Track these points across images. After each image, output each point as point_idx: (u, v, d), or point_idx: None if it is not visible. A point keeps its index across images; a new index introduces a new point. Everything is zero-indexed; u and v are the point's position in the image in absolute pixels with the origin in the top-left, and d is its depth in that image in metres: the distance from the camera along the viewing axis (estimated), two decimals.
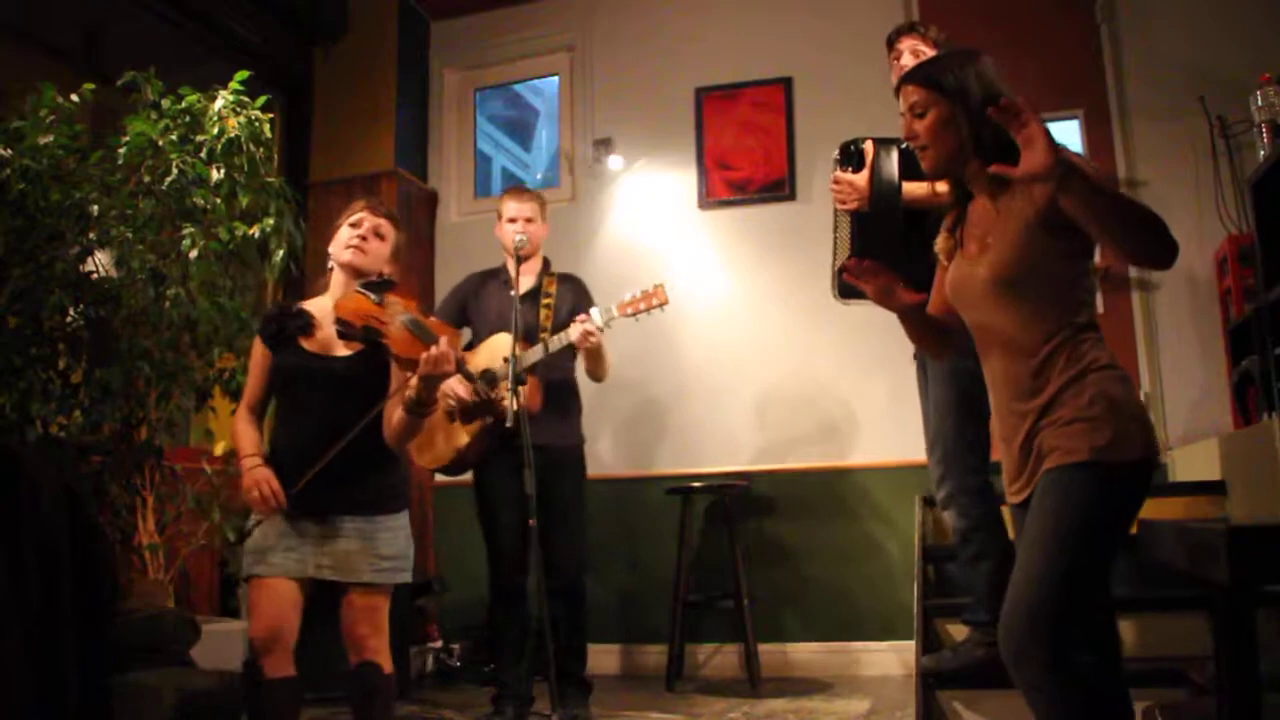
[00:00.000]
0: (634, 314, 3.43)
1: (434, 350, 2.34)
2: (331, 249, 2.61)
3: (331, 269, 2.62)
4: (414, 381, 2.38)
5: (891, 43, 3.19)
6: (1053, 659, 1.73)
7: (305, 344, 2.51)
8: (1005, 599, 1.84)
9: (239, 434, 2.54)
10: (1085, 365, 1.85)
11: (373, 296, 2.45)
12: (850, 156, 3.06)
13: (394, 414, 2.44)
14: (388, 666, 2.47)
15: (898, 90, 2.04)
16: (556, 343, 3.39)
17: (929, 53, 3.03)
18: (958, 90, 1.90)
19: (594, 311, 3.42)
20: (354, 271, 2.56)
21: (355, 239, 2.56)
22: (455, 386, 3.36)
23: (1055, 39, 4.57)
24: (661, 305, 3.43)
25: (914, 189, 2.89)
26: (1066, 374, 1.85)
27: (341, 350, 2.49)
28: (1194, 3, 4.40)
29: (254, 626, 2.39)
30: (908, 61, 3.05)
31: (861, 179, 2.98)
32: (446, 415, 3.52)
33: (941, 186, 2.87)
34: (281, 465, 2.44)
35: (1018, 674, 1.79)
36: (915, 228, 2.87)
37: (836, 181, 3.03)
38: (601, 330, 3.39)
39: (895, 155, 2.97)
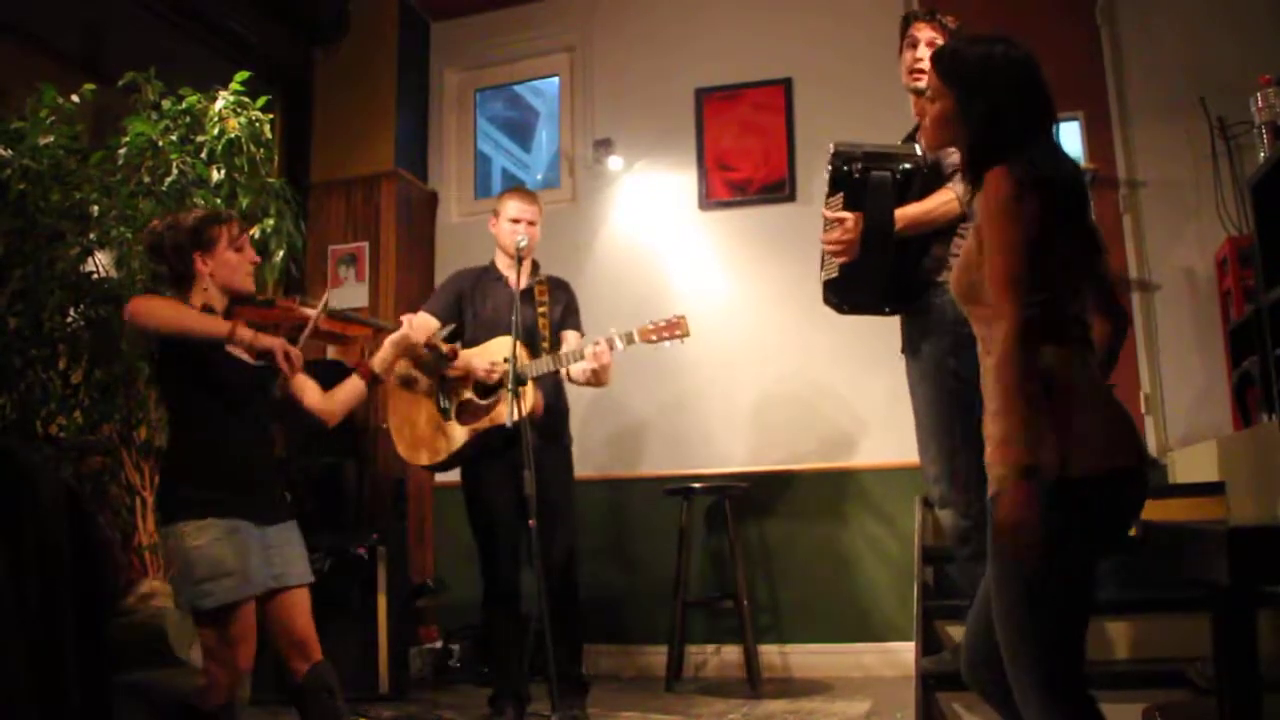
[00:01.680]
0: (655, 341, 3.45)
1: (406, 317, 2.68)
2: (221, 274, 2.51)
3: (206, 289, 2.50)
4: (384, 351, 2.68)
5: (905, 28, 3.10)
6: (1046, 689, 1.66)
7: (234, 353, 2.46)
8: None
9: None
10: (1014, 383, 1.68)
11: (259, 303, 2.62)
12: (841, 181, 2.92)
13: (342, 394, 2.65)
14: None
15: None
16: (567, 360, 3.41)
17: (939, 41, 2.94)
18: (965, 91, 1.82)
19: (614, 335, 3.42)
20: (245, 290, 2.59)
21: (251, 263, 2.59)
22: (474, 362, 3.44)
23: (1055, 40, 4.57)
24: (683, 337, 3.45)
25: (908, 213, 2.83)
26: (993, 400, 1.72)
27: (251, 360, 2.50)
28: (1194, 4, 4.40)
29: (248, 654, 2.32)
30: (923, 53, 2.98)
31: (850, 227, 2.86)
32: (441, 414, 3.52)
33: (936, 201, 2.86)
34: (237, 476, 2.41)
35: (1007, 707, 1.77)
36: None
37: (826, 220, 2.92)
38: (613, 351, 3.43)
39: (890, 184, 2.85)
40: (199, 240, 2.48)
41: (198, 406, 2.45)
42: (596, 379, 3.50)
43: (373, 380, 2.72)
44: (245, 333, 2.36)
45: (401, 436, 3.57)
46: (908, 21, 3.14)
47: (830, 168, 2.96)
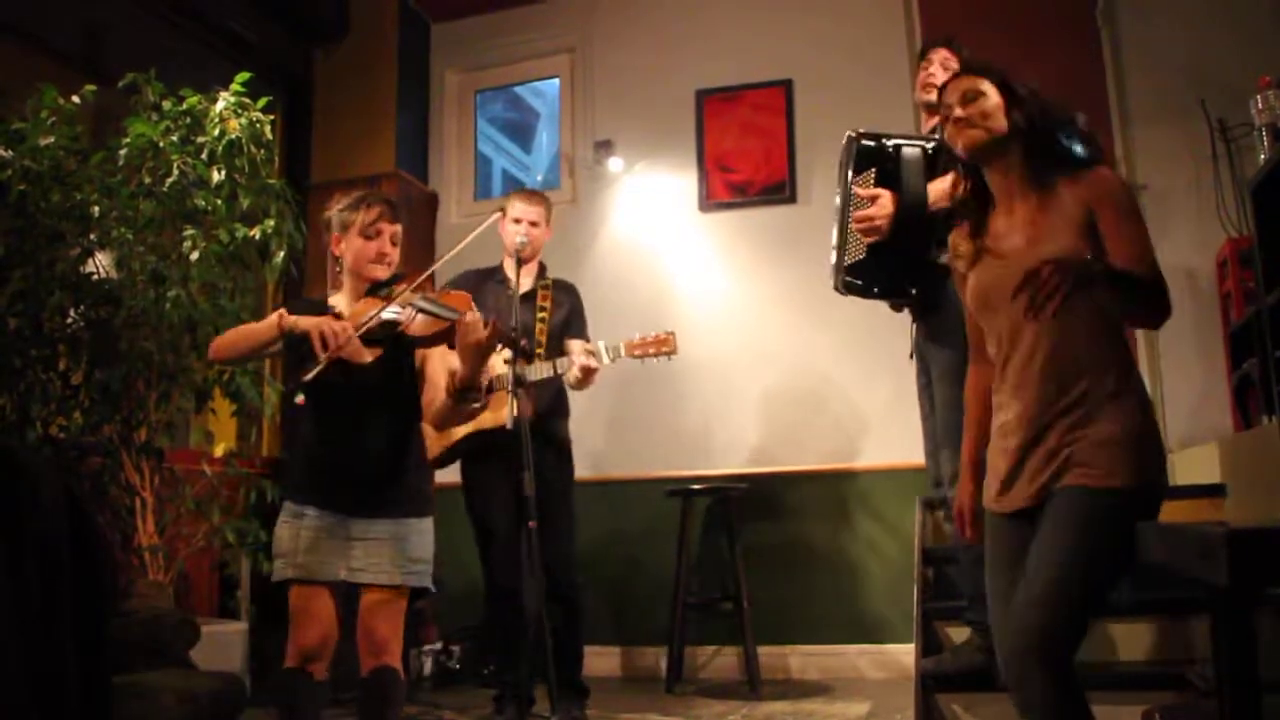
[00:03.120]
0: (640, 357, 3.44)
1: (465, 318, 2.33)
2: (349, 258, 2.54)
3: (339, 271, 2.58)
4: (468, 364, 2.34)
5: (924, 53, 3.26)
6: (1055, 679, 1.74)
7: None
8: (1013, 619, 1.82)
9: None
10: (1129, 385, 1.86)
11: (383, 294, 2.49)
12: (873, 156, 2.89)
13: (434, 402, 2.47)
14: (400, 670, 2.47)
15: (940, 91, 2.07)
16: (562, 365, 3.40)
17: (953, 62, 3.10)
18: (1006, 82, 1.99)
19: (601, 346, 3.42)
20: (372, 278, 2.54)
21: (377, 253, 2.53)
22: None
23: (1055, 42, 4.58)
24: (670, 354, 3.44)
25: (940, 187, 2.78)
26: (1109, 389, 1.84)
27: (366, 356, 2.47)
28: (1194, 6, 4.41)
29: (304, 633, 2.37)
30: (936, 71, 3.12)
31: (886, 204, 2.83)
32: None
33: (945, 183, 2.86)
34: (319, 472, 2.45)
35: (1019, 694, 1.79)
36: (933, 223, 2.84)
37: (857, 198, 2.88)
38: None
39: (922, 159, 2.86)
40: (342, 221, 2.55)
41: (305, 396, 2.52)
42: (579, 384, 3.49)
43: (458, 398, 2.38)
44: (286, 321, 2.41)
45: None
46: (925, 51, 3.30)
47: (857, 145, 2.93)
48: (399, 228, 2.59)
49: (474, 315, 2.35)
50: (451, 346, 2.41)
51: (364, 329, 2.38)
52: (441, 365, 2.49)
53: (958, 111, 1.99)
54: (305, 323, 2.36)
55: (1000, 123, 1.97)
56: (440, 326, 2.40)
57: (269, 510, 3.41)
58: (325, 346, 2.30)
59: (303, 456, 2.52)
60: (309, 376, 2.32)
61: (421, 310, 2.41)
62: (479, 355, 2.32)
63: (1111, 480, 1.79)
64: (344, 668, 2.50)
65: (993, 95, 1.98)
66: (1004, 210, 2.02)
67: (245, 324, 2.52)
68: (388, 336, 2.43)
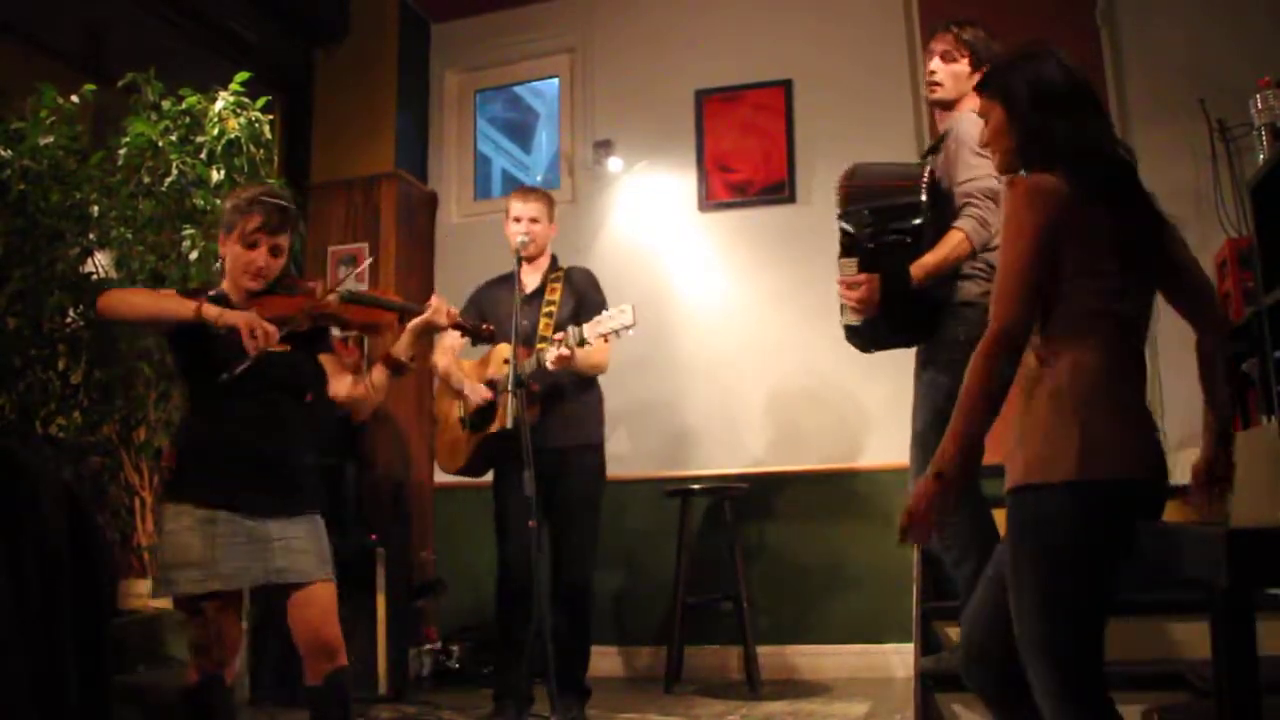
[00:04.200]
0: (605, 335, 3.35)
1: (436, 301, 2.55)
2: (227, 263, 2.44)
3: (223, 260, 2.48)
4: (405, 339, 2.52)
5: (928, 42, 3.23)
6: (1063, 692, 1.69)
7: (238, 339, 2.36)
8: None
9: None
10: (1038, 382, 1.79)
11: (279, 291, 2.47)
12: (854, 249, 2.93)
13: (369, 383, 2.51)
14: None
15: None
16: (546, 357, 3.39)
17: (953, 53, 3.08)
18: (1005, 97, 1.90)
19: (570, 332, 3.37)
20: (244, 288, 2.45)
21: (252, 266, 2.41)
22: (479, 392, 3.49)
23: (1055, 42, 4.57)
24: (629, 327, 3.32)
25: (925, 264, 2.83)
26: (1025, 387, 1.80)
27: (281, 346, 2.37)
28: (1194, 6, 4.41)
29: (223, 645, 2.30)
30: (935, 65, 3.10)
31: (871, 289, 2.85)
32: (460, 422, 3.56)
33: (948, 247, 2.89)
34: (232, 472, 2.30)
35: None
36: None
37: (845, 284, 2.91)
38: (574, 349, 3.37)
39: (903, 245, 2.88)
40: (228, 222, 2.45)
41: (196, 391, 2.40)
42: (555, 366, 3.44)
43: (396, 369, 2.51)
44: (210, 310, 2.26)
45: (439, 443, 3.65)
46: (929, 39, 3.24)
47: (840, 232, 2.94)
48: (283, 239, 2.45)
49: (440, 301, 2.58)
50: (373, 334, 2.54)
51: (289, 328, 2.36)
52: (332, 360, 2.56)
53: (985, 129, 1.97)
54: (231, 317, 2.26)
55: (1003, 145, 1.93)
56: (374, 318, 2.57)
57: None
58: (256, 344, 2.23)
59: (204, 455, 2.33)
60: (240, 370, 2.25)
61: (348, 299, 2.52)
62: (426, 331, 2.58)
63: (1012, 479, 1.76)
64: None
65: (994, 113, 1.93)
66: None
67: (147, 290, 2.42)
68: (321, 325, 2.49)
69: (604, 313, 3.38)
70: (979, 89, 1.99)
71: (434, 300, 2.57)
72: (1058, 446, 1.71)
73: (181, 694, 2.35)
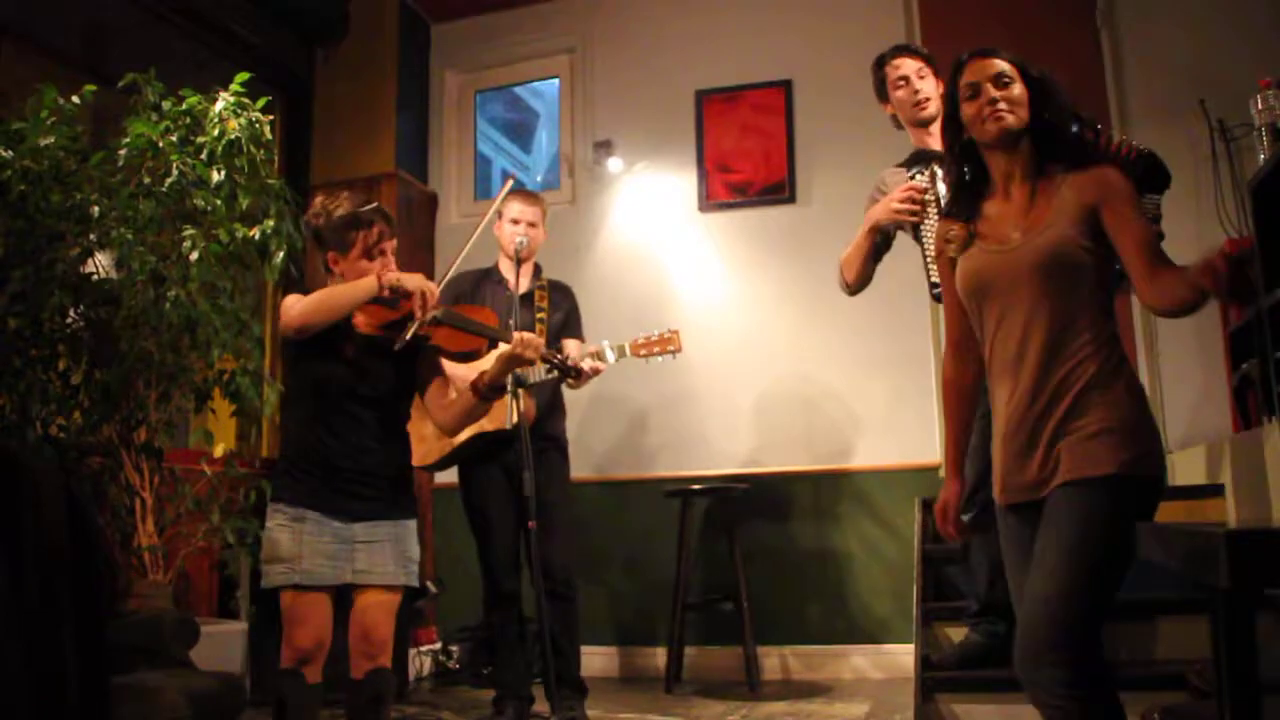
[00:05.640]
0: (645, 356, 3.45)
1: (526, 335, 2.59)
2: (350, 279, 2.54)
3: (340, 277, 2.58)
4: (496, 367, 2.55)
5: (880, 69, 3.21)
6: (1075, 676, 1.73)
7: (344, 352, 2.51)
8: (1021, 616, 1.83)
9: None
10: (1120, 374, 1.87)
11: (381, 302, 2.52)
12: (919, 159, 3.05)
13: (453, 403, 2.56)
14: (392, 671, 2.50)
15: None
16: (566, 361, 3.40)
17: (924, 70, 3.13)
18: (1034, 77, 2.00)
19: (605, 346, 3.43)
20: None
21: (381, 266, 2.56)
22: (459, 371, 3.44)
23: (1055, 42, 4.58)
24: (675, 353, 3.46)
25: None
26: (1101, 378, 1.85)
27: (376, 359, 2.52)
28: (1194, 6, 4.41)
29: (301, 635, 2.38)
30: (920, 85, 3.13)
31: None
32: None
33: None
34: (324, 475, 2.45)
35: (1037, 691, 1.78)
36: None
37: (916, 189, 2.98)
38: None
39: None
40: (340, 240, 2.55)
41: (297, 395, 2.55)
42: (578, 382, 3.49)
43: (485, 395, 2.55)
44: (389, 277, 2.45)
45: (412, 432, 3.60)
46: (881, 63, 3.24)
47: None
48: (395, 242, 2.63)
49: (529, 335, 2.62)
50: (464, 359, 2.59)
51: (405, 332, 2.47)
52: (449, 369, 2.64)
53: (994, 94, 1.98)
54: (408, 281, 2.46)
55: (1025, 113, 1.98)
56: (463, 345, 2.58)
57: None
58: (424, 310, 2.44)
59: (298, 458, 2.49)
60: (409, 334, 2.43)
61: (445, 321, 2.57)
62: (514, 364, 2.58)
63: (1104, 469, 1.79)
64: (333, 669, 2.51)
65: (1019, 82, 1.99)
66: (1000, 196, 2.03)
67: (319, 291, 2.47)
68: (417, 343, 2.53)
69: (655, 332, 3.47)
70: (999, 55, 2.05)
71: (524, 334, 2.62)
72: (1151, 445, 1.86)
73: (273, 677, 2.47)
